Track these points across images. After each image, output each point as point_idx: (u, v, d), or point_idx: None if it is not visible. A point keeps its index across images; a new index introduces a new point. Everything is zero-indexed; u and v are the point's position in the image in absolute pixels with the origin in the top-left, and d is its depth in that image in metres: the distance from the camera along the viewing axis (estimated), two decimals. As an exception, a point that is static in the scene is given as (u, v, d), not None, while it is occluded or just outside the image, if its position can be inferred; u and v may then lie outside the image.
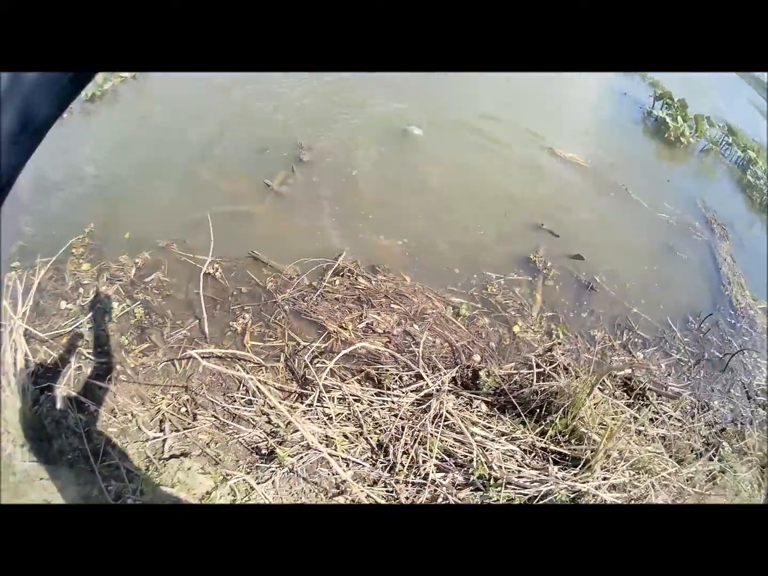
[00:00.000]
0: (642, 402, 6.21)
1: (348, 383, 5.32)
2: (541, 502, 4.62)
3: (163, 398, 4.78)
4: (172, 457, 4.42)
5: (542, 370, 6.00)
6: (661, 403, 6.34)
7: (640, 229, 9.49)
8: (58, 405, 4.44)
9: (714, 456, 6.06)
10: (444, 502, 4.52)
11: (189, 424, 4.67)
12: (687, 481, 5.56)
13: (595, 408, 5.47)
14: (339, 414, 5.00)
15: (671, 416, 6.24)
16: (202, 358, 5.02)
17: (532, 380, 5.84)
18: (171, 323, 5.44)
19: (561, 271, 7.70)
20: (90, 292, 5.49)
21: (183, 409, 4.78)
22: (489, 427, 5.25)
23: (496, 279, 7.17)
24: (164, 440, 4.51)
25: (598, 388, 5.74)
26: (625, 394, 6.25)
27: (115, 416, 4.55)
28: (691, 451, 5.99)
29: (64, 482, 4.00)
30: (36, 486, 3.90)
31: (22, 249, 5.75)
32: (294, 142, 8.31)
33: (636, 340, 7.19)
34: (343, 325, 5.88)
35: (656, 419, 6.11)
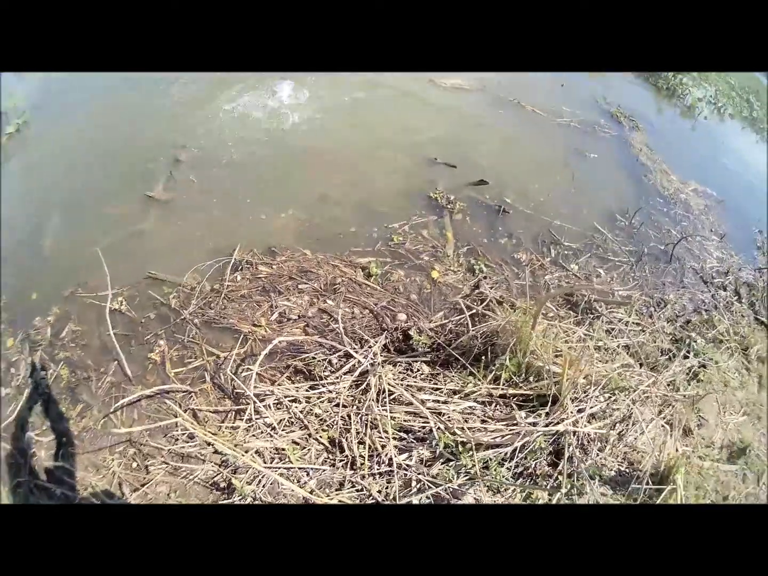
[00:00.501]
0: (592, 315, 5.82)
1: (279, 384, 4.94)
2: (522, 454, 4.35)
3: (112, 459, 4.49)
4: (141, 520, 4.14)
5: (474, 311, 5.57)
6: (613, 312, 5.95)
7: (542, 139, 9.00)
8: (30, 500, 4.28)
9: (689, 352, 5.72)
10: (417, 486, 4.22)
11: (144, 478, 4.40)
12: (668, 386, 5.21)
13: (544, 337, 4.98)
14: (281, 421, 4.66)
15: (628, 322, 5.83)
16: (131, 404, 4.80)
17: (467, 325, 5.39)
18: (95, 375, 5.03)
19: (467, 201, 7.21)
20: (21, 368, 5.09)
21: (134, 465, 4.50)
22: (438, 389, 4.81)
23: (400, 227, 6.67)
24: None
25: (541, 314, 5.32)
26: (571, 312, 5.86)
27: (78, 493, 4.30)
28: (661, 353, 5.65)
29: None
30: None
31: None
32: (170, 144, 7.71)
33: (566, 252, 6.78)
34: (256, 322, 5.48)
35: (613, 330, 5.72)
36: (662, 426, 4.88)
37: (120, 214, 6.58)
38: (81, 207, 6.68)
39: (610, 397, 4.81)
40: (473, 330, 5.25)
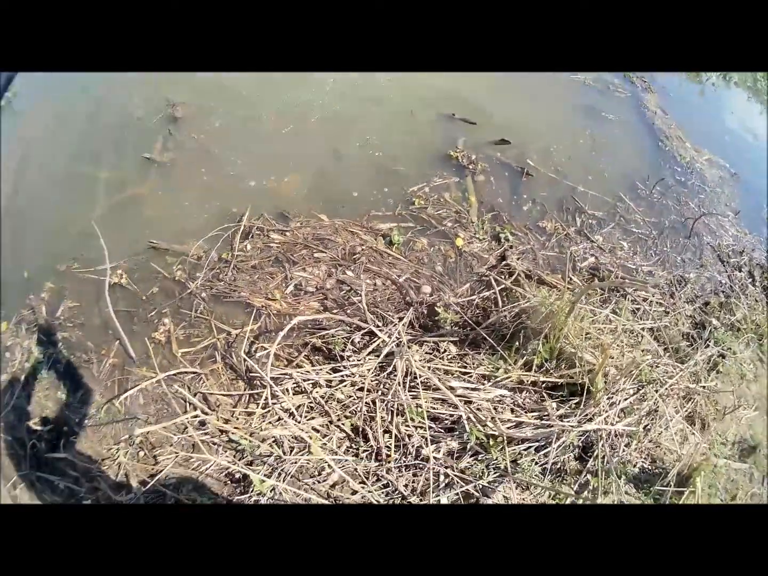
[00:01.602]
0: (618, 294, 5.63)
1: (297, 365, 4.63)
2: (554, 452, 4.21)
3: (118, 449, 4.21)
4: (153, 517, 3.89)
5: (503, 286, 5.31)
6: (637, 290, 5.79)
7: (559, 95, 8.65)
8: (34, 493, 4.07)
9: (708, 341, 5.60)
10: (445, 480, 4.06)
11: (153, 469, 4.13)
12: (691, 377, 5.08)
13: (574, 320, 4.74)
14: (300, 406, 4.37)
15: (651, 302, 5.69)
16: (139, 391, 4.47)
17: (497, 301, 5.18)
18: (96, 357, 4.70)
19: (488, 162, 6.87)
20: (16, 353, 4.73)
21: (142, 454, 4.22)
22: (467, 373, 4.56)
23: (419, 189, 6.31)
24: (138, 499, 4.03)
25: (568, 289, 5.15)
26: (596, 289, 5.63)
27: (83, 486, 4.06)
28: (683, 337, 5.53)
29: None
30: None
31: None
32: (164, 101, 7.04)
33: (590, 221, 6.54)
34: (270, 295, 5.12)
35: (638, 310, 5.57)
36: (684, 421, 4.84)
37: (116, 177, 6.17)
38: (73, 174, 6.25)
39: (638, 390, 4.71)
40: (504, 310, 5.03)
